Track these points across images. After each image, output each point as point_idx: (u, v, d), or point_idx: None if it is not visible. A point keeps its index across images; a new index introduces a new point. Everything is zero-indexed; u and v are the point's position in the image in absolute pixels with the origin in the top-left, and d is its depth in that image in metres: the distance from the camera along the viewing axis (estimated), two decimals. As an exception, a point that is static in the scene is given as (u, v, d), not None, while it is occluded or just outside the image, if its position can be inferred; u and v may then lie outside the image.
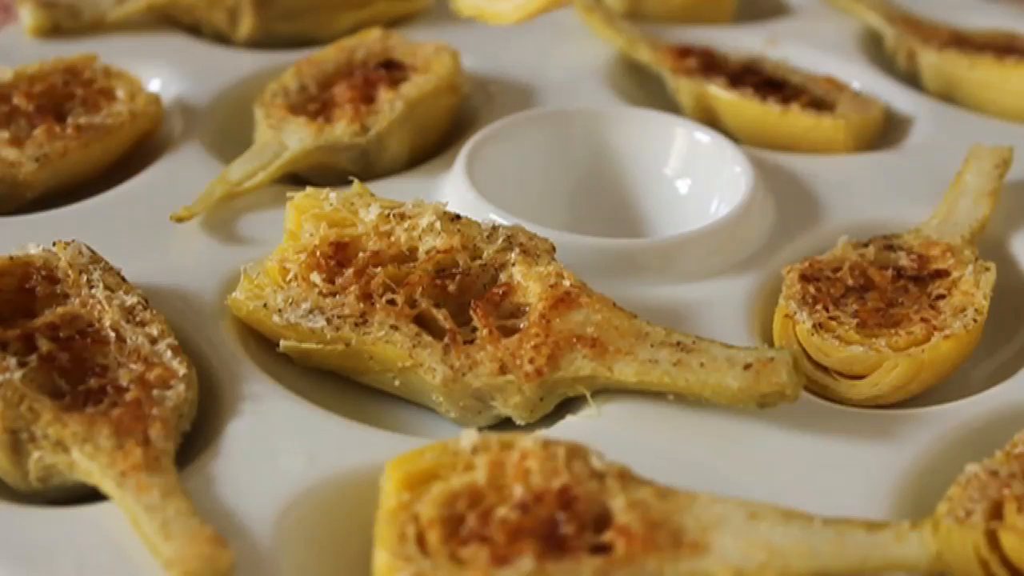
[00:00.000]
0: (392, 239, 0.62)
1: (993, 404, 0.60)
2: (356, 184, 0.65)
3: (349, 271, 0.61)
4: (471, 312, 0.60)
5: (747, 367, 0.57)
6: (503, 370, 0.58)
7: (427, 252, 0.62)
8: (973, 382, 0.63)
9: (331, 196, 0.64)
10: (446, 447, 0.52)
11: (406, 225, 0.63)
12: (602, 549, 0.49)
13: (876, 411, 0.60)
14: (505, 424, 0.60)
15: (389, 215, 0.63)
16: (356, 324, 0.60)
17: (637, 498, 0.51)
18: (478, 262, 0.62)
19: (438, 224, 0.62)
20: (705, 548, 0.49)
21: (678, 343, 0.58)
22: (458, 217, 0.63)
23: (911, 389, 0.61)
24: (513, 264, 0.62)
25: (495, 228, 0.63)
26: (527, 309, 0.60)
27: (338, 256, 0.62)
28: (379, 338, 0.59)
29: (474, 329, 0.60)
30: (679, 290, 0.66)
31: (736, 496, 0.51)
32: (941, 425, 0.59)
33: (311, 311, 0.60)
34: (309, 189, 0.64)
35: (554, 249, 0.63)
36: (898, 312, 0.64)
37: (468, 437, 0.52)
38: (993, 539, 0.50)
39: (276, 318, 0.60)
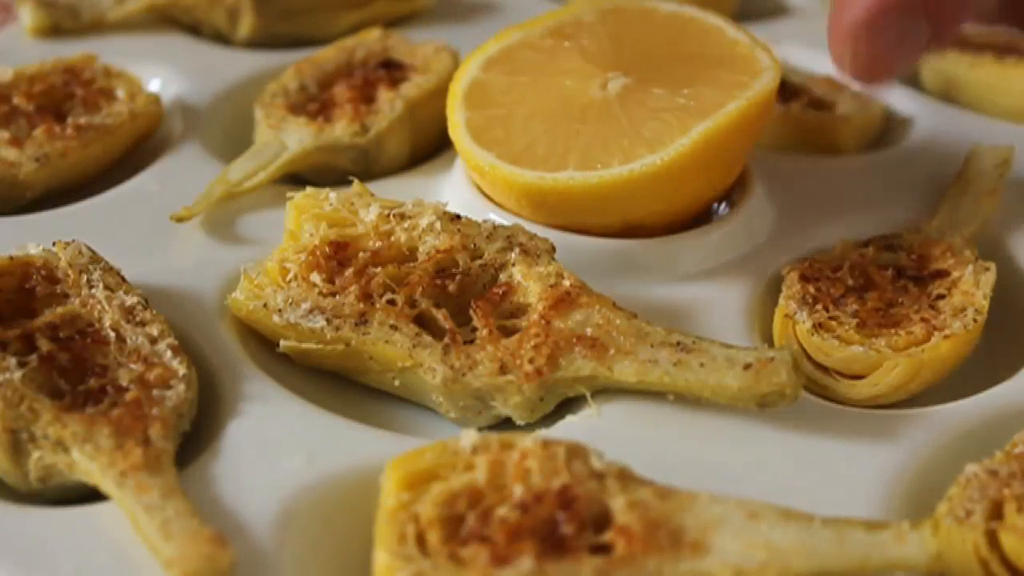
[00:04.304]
0: (392, 239, 0.62)
1: (993, 404, 0.60)
2: (356, 184, 0.65)
3: (349, 271, 0.61)
4: (471, 312, 0.60)
5: (747, 367, 0.57)
6: (503, 370, 0.58)
7: (427, 252, 0.62)
8: (973, 382, 0.63)
9: (331, 196, 0.64)
10: (446, 447, 0.52)
11: (406, 225, 0.63)
12: (602, 549, 0.49)
13: (876, 411, 0.60)
14: (505, 424, 0.60)
15: (389, 215, 0.63)
16: (356, 324, 0.60)
17: (637, 498, 0.51)
18: (478, 262, 0.62)
19: (438, 224, 0.62)
20: (705, 548, 0.49)
21: (678, 343, 0.58)
22: (458, 217, 0.63)
23: (911, 389, 0.61)
24: (513, 264, 0.62)
25: (495, 228, 0.63)
26: (527, 309, 0.60)
27: (338, 256, 0.62)
28: (379, 338, 0.59)
29: (474, 329, 0.60)
30: (679, 290, 0.66)
31: (736, 496, 0.51)
32: (941, 425, 0.59)
33: (311, 311, 0.60)
34: (309, 189, 0.64)
35: (554, 249, 0.63)
36: (898, 312, 0.64)
37: (468, 437, 0.52)
38: (993, 539, 0.50)
39: (276, 318, 0.60)
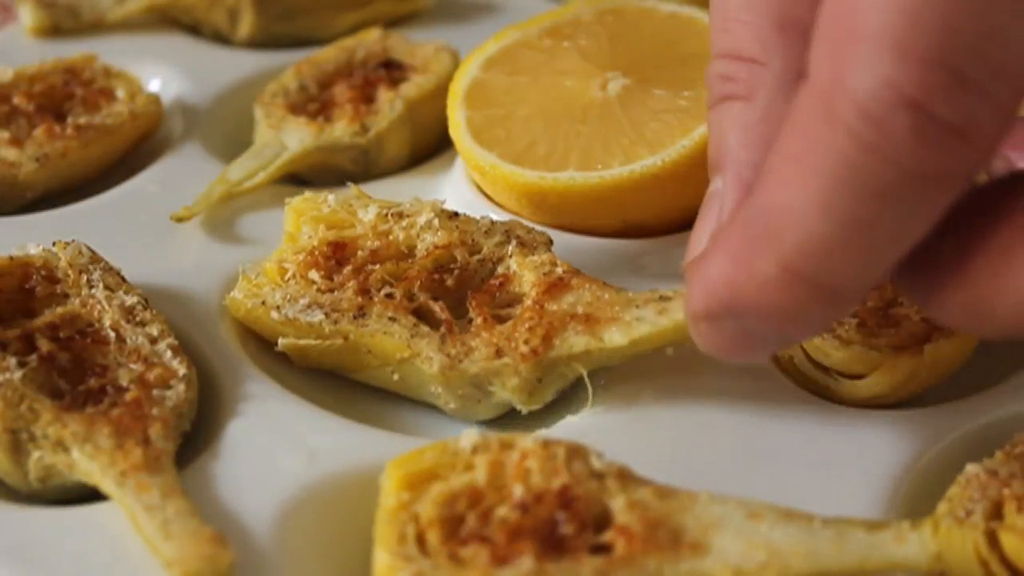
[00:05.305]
0: (391, 238, 0.62)
1: (993, 404, 0.60)
2: (353, 188, 0.65)
3: (347, 268, 0.61)
4: (467, 304, 0.60)
5: None
6: (499, 354, 0.58)
7: (425, 249, 0.62)
8: (973, 382, 0.63)
9: (329, 199, 0.64)
10: (446, 447, 0.52)
11: (404, 223, 0.63)
12: (602, 549, 0.49)
13: (876, 411, 0.60)
14: (506, 420, 0.60)
15: (387, 215, 0.63)
16: (354, 317, 0.59)
17: (637, 498, 0.51)
18: (476, 257, 0.62)
19: (436, 221, 0.62)
20: (705, 548, 0.49)
21: (660, 297, 0.58)
22: (456, 214, 0.63)
23: (911, 389, 0.61)
24: (510, 256, 0.62)
25: (493, 223, 0.63)
26: (522, 298, 0.60)
27: (336, 256, 0.62)
28: (377, 330, 0.59)
29: (471, 321, 0.60)
30: (679, 290, 0.66)
31: (736, 496, 0.51)
32: (941, 425, 0.59)
33: (309, 306, 0.60)
34: (307, 193, 0.64)
35: (551, 242, 0.63)
36: (898, 312, 0.63)
37: (468, 437, 0.52)
38: (993, 539, 0.50)
39: (274, 314, 0.60)
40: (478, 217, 0.64)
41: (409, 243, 0.62)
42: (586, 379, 0.59)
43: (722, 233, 0.49)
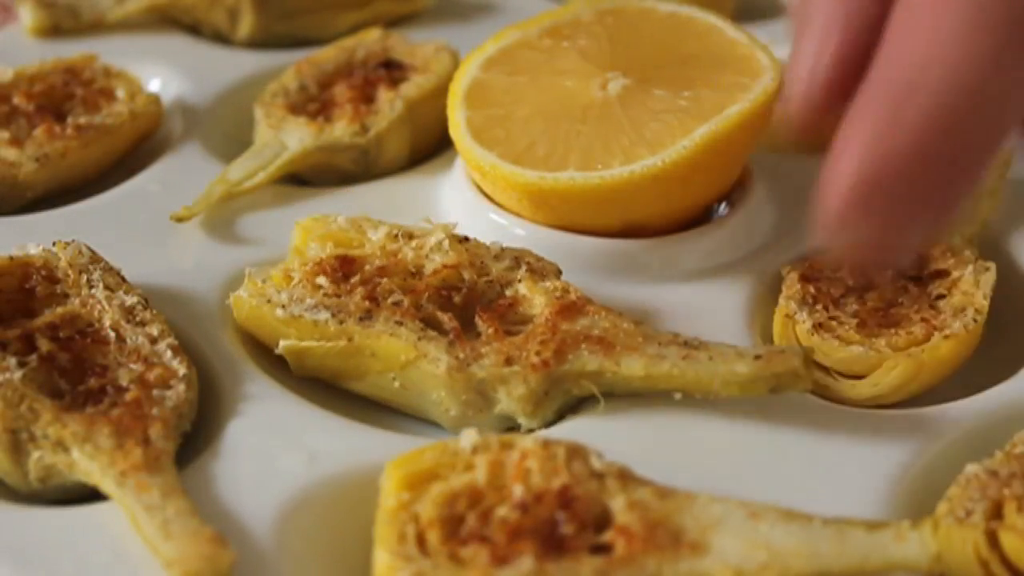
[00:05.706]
0: (399, 257, 0.62)
1: (993, 404, 0.60)
2: (363, 215, 0.65)
3: (355, 279, 0.61)
4: (476, 319, 0.60)
5: (757, 357, 0.57)
6: (508, 362, 0.58)
7: (433, 268, 0.62)
8: (973, 382, 0.63)
9: (339, 219, 0.64)
10: (446, 447, 0.52)
11: (413, 244, 0.63)
12: (602, 549, 0.49)
13: (876, 411, 0.60)
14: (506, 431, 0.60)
15: (397, 235, 0.63)
16: (360, 319, 0.59)
17: (637, 498, 0.51)
18: (484, 279, 0.62)
19: (446, 243, 0.62)
20: (705, 548, 0.49)
21: (685, 343, 0.58)
22: (467, 239, 0.63)
23: (911, 389, 0.61)
24: (519, 280, 0.62)
25: (503, 249, 0.63)
26: (532, 319, 0.60)
27: (344, 269, 0.62)
28: (384, 331, 0.59)
29: (478, 335, 0.60)
30: (679, 290, 0.66)
31: (736, 496, 0.51)
32: (941, 425, 0.59)
33: (315, 306, 0.60)
34: (317, 214, 0.64)
35: (560, 272, 0.63)
36: (898, 312, 0.64)
37: (468, 437, 0.52)
38: (993, 539, 0.50)
39: (279, 311, 0.60)
40: (488, 243, 0.64)
41: (417, 263, 0.62)
42: (597, 392, 0.59)
43: (856, 114, 0.49)
